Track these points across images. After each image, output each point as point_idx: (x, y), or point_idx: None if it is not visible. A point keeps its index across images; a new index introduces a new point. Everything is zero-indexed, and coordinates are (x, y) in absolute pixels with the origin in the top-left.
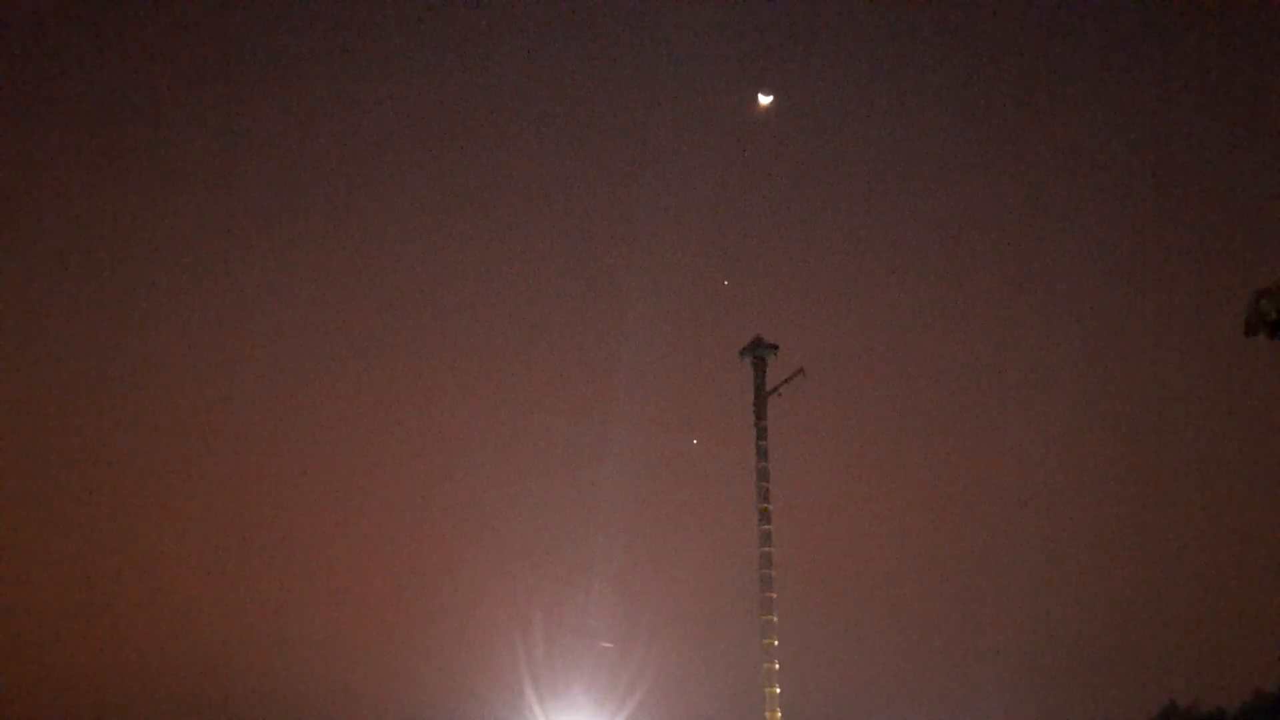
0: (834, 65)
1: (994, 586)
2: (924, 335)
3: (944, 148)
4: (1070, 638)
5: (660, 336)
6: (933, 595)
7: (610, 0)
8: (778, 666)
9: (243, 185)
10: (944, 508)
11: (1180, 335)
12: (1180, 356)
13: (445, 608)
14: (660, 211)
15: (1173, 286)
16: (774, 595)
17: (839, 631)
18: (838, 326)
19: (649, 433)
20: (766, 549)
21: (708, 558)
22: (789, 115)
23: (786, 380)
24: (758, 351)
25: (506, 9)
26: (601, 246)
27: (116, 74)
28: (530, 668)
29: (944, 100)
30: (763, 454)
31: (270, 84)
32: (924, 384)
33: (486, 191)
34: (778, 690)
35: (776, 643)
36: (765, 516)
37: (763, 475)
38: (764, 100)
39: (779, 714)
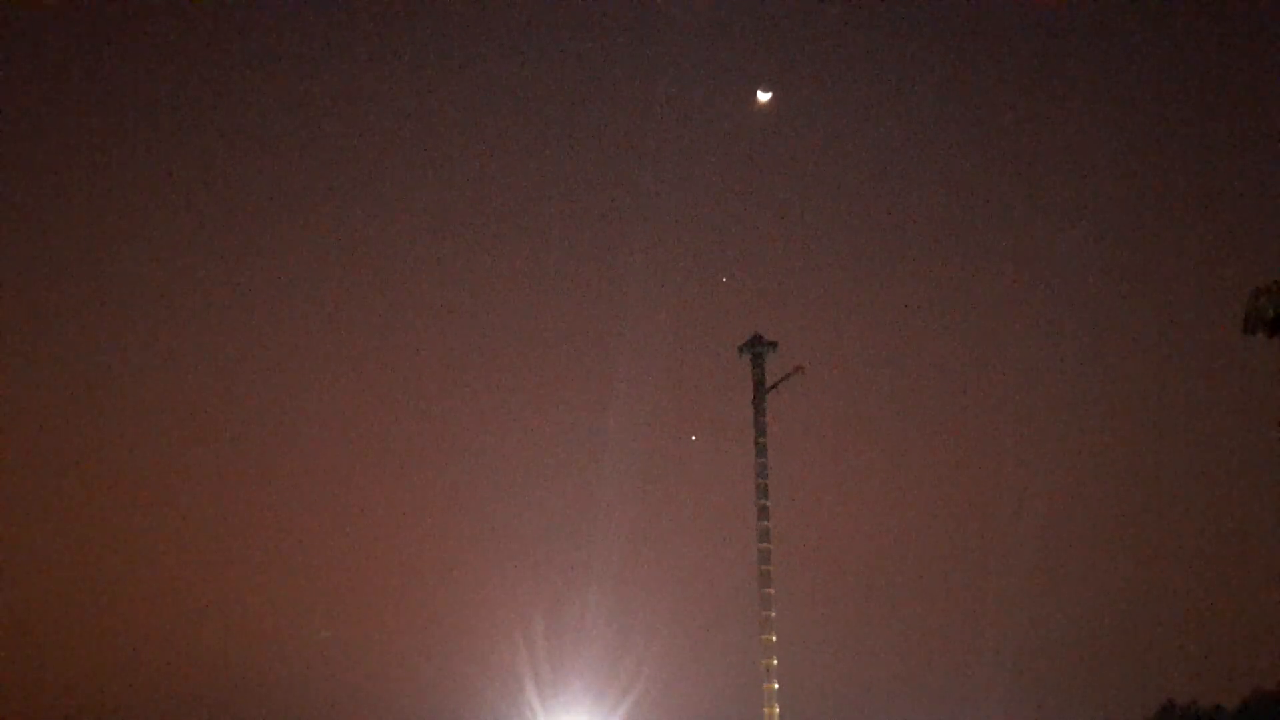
0: (833, 63)
1: (993, 584)
2: (923, 332)
3: (943, 146)
4: (1069, 636)
5: (659, 334)
6: (932, 592)
7: None
8: (776, 663)
9: (243, 185)
10: (943, 505)
11: (1179, 333)
12: (1179, 355)
13: (445, 608)
14: (659, 209)
15: (1171, 285)
16: (773, 591)
17: (838, 628)
18: (837, 324)
19: (647, 430)
20: (765, 545)
21: (706, 554)
22: (788, 112)
23: (785, 377)
24: (756, 349)
25: (506, 8)
26: (600, 243)
27: (117, 74)
28: (531, 666)
29: (944, 99)
30: (761, 451)
31: (270, 83)
32: (923, 381)
33: (485, 189)
34: (776, 686)
35: (775, 639)
36: (764, 513)
37: (761, 472)
38: (763, 97)
39: (777, 710)
